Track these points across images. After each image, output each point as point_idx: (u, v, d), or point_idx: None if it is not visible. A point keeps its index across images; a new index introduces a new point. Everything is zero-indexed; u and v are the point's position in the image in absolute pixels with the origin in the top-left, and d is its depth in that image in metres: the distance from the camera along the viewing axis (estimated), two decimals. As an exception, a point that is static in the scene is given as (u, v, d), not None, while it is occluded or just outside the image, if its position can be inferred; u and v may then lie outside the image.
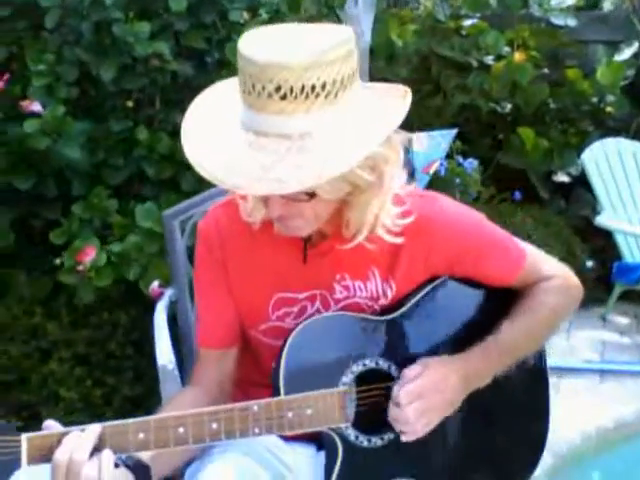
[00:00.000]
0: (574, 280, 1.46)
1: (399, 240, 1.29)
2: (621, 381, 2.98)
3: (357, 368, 1.29)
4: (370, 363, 1.30)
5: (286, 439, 1.36)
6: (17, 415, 2.25)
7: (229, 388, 1.36)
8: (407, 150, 3.85)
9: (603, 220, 3.63)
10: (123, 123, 2.47)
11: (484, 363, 1.31)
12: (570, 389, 2.93)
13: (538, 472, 2.30)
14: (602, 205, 3.75)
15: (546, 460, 2.41)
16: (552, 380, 2.96)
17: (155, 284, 1.97)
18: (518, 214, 3.98)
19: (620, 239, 3.68)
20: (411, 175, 3.87)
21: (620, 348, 3.38)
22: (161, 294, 1.78)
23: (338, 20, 2.53)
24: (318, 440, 1.35)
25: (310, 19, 2.37)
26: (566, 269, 1.46)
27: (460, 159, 4.01)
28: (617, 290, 3.66)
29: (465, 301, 1.41)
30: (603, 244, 3.89)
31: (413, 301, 1.36)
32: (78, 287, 2.18)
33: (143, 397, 2.30)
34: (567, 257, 3.86)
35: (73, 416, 2.21)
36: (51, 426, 1.11)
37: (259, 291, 1.34)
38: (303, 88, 1.08)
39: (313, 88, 1.08)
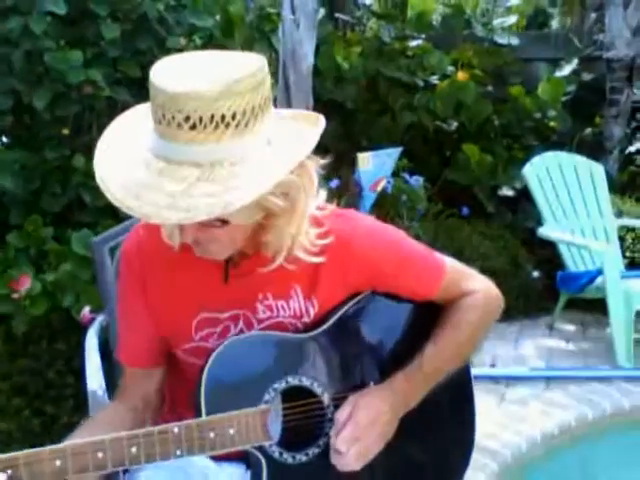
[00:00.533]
0: (495, 292, 1.47)
1: (319, 259, 1.30)
2: (565, 387, 3.04)
3: (280, 386, 1.30)
4: (293, 380, 1.31)
5: (216, 459, 1.36)
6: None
7: (155, 401, 1.36)
8: (354, 169, 3.92)
9: (545, 231, 3.71)
10: (59, 151, 2.47)
11: (410, 388, 1.33)
12: (516, 397, 2.98)
13: (482, 478, 2.35)
14: (544, 217, 3.84)
15: (491, 467, 2.45)
16: (499, 389, 3.06)
17: (86, 310, 1.96)
18: (465, 229, 4.05)
19: (563, 249, 3.77)
20: (359, 193, 3.92)
21: (566, 355, 3.46)
22: (92, 320, 1.77)
23: (270, 45, 2.56)
24: (246, 459, 1.36)
25: (244, 44, 2.40)
26: (487, 281, 1.48)
27: (406, 176, 4.08)
28: (562, 299, 3.74)
29: (388, 316, 1.42)
30: (549, 255, 3.97)
31: (335, 318, 1.37)
32: (13, 316, 2.16)
33: (84, 425, 2.27)
34: (514, 269, 3.94)
35: (11, 448, 2.17)
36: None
37: (181, 311, 1.35)
38: (212, 118, 1.08)
39: (223, 118, 1.09)
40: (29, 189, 2.44)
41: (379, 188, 3.91)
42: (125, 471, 1.30)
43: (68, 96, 2.38)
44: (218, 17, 2.49)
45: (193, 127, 1.09)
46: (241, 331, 1.35)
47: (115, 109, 2.52)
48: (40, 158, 2.46)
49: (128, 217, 2.23)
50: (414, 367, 1.34)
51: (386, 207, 4.00)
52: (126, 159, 1.15)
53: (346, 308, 1.38)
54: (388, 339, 1.42)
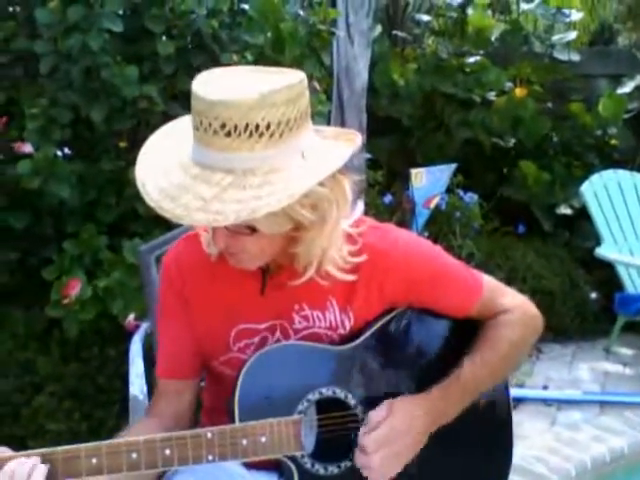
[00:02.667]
0: (533, 311, 1.45)
1: (351, 277, 1.31)
2: (620, 413, 2.94)
3: (314, 396, 1.31)
4: (327, 392, 1.32)
5: (248, 467, 1.37)
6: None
7: (185, 421, 1.37)
8: (407, 185, 3.91)
9: (603, 252, 3.61)
10: (115, 163, 2.54)
11: (446, 402, 1.31)
12: (568, 421, 2.91)
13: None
14: (602, 236, 3.74)
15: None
16: (550, 412, 2.98)
17: (131, 317, 2.01)
18: (520, 247, 3.98)
19: (621, 270, 3.66)
20: (412, 210, 3.91)
21: (622, 379, 3.35)
22: (137, 327, 1.81)
23: (320, 62, 2.59)
24: (279, 469, 1.37)
25: (293, 61, 2.44)
26: (526, 300, 1.46)
27: (461, 193, 4.04)
28: (620, 321, 3.63)
29: (424, 331, 1.42)
30: (607, 276, 3.87)
31: (370, 331, 1.37)
32: (64, 320, 2.23)
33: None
34: (570, 289, 3.86)
35: (60, 447, 2.23)
36: (3, 451, 1.14)
37: (220, 322, 1.37)
38: (247, 127, 1.12)
39: (257, 127, 1.12)
40: (85, 200, 2.53)
41: (432, 205, 3.89)
42: (160, 476, 1.33)
43: (124, 110, 2.45)
44: (269, 34, 2.53)
45: (228, 134, 1.12)
46: (278, 341, 1.36)
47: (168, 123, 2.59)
48: (96, 170, 2.54)
49: (178, 227, 2.28)
50: (451, 381, 1.33)
51: (439, 224, 3.98)
52: (165, 164, 1.19)
53: (382, 322, 1.38)
54: (423, 354, 1.41)
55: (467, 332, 1.41)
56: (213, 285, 1.38)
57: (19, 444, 2.36)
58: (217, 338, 1.37)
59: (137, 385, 1.63)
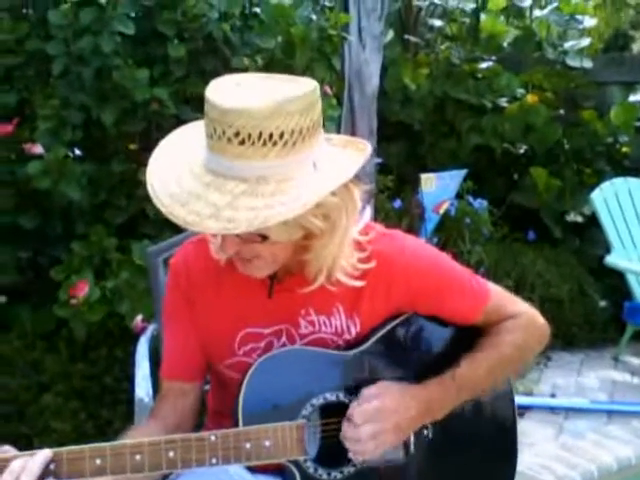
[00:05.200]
0: (540, 320, 1.45)
1: (360, 283, 1.31)
2: (628, 422, 2.93)
3: (317, 402, 1.31)
4: (331, 397, 1.32)
5: (252, 471, 1.37)
6: (12, 446, 2.29)
7: (188, 424, 1.37)
8: (417, 190, 3.90)
9: (613, 260, 3.60)
10: (125, 165, 2.55)
11: (441, 395, 1.32)
12: (575, 429, 2.89)
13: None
14: (612, 244, 3.72)
15: (542, 501, 2.39)
16: (557, 420, 2.96)
17: (138, 319, 2.01)
18: (530, 254, 3.97)
19: (631, 279, 3.64)
20: (421, 215, 3.91)
21: (630, 389, 3.33)
22: (144, 328, 1.82)
23: (331, 66, 2.60)
24: (283, 473, 1.37)
25: (305, 65, 2.44)
26: (532, 309, 1.45)
27: (470, 199, 4.04)
28: (629, 330, 3.61)
29: (428, 338, 1.42)
30: (616, 284, 3.85)
31: (375, 337, 1.37)
32: (71, 321, 2.24)
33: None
34: (579, 297, 3.84)
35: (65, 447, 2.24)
36: (6, 450, 1.14)
37: (226, 326, 1.37)
38: (261, 135, 1.12)
39: (271, 136, 1.12)
40: (95, 201, 2.54)
41: (442, 210, 3.89)
42: (164, 478, 1.33)
43: (135, 112, 2.46)
44: (280, 38, 2.53)
45: (242, 143, 1.12)
46: (284, 346, 1.37)
47: (179, 126, 2.60)
48: (107, 171, 2.55)
49: (187, 230, 2.28)
50: (446, 377, 1.33)
51: (449, 230, 3.97)
52: (177, 170, 1.19)
53: (388, 328, 1.39)
54: (427, 360, 1.41)
55: (472, 339, 1.41)
56: (220, 289, 1.38)
57: (25, 443, 2.39)
58: (223, 341, 1.38)
59: (143, 387, 1.63)
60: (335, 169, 1.19)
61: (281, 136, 1.13)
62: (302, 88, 1.17)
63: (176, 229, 2.73)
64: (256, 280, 1.35)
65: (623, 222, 3.78)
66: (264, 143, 1.12)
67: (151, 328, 1.79)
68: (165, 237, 2.45)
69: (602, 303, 3.86)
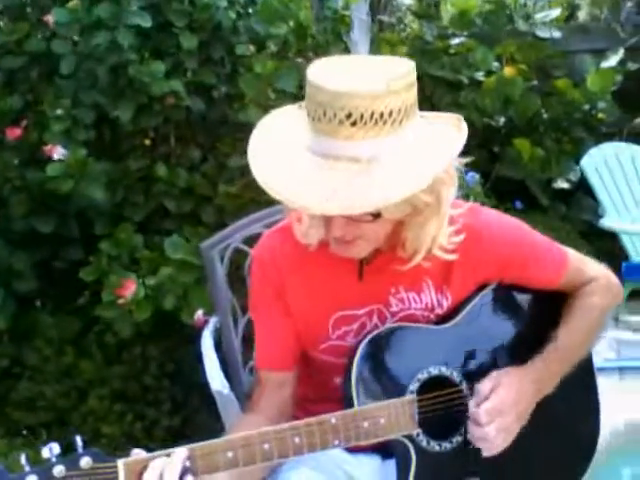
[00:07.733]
0: (614, 279, 1.52)
1: (453, 257, 1.33)
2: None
3: (422, 376, 1.33)
4: (434, 371, 1.34)
5: (351, 451, 1.38)
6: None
7: (289, 414, 1.37)
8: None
9: (608, 222, 3.69)
10: (141, 161, 2.51)
11: (549, 371, 1.35)
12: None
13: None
14: (605, 208, 3.82)
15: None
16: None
17: (199, 313, 2.00)
18: (523, 222, 4.03)
19: (626, 239, 3.75)
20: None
21: (635, 346, 3.42)
22: (205, 322, 1.81)
23: (346, 47, 2.60)
24: (382, 450, 1.38)
25: (317, 47, 2.44)
26: (606, 269, 1.52)
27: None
28: (627, 290, 3.70)
29: (516, 305, 1.46)
30: (608, 247, 3.95)
31: (467, 309, 1.40)
32: (116, 321, 2.20)
33: (182, 427, 2.32)
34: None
35: (117, 451, 2.21)
36: (138, 452, 1.13)
37: (319, 311, 1.38)
38: (372, 115, 1.13)
39: (382, 115, 1.13)
40: (115, 200, 2.49)
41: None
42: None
43: (151, 107, 2.42)
44: (292, 23, 2.52)
45: (354, 124, 1.13)
46: (375, 326, 1.38)
47: (189, 118, 2.57)
48: (123, 169, 2.51)
49: (214, 222, 2.27)
50: (549, 351, 1.37)
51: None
52: (284, 158, 1.19)
53: (477, 299, 1.42)
54: (518, 327, 1.45)
55: (556, 303, 1.45)
56: (309, 275, 1.38)
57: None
58: (316, 327, 1.38)
59: (218, 380, 1.62)
60: (442, 143, 1.20)
61: (390, 114, 1.14)
62: (404, 66, 1.18)
63: (197, 222, 2.70)
64: (345, 263, 1.36)
65: (613, 186, 3.88)
66: (375, 122, 1.13)
67: (213, 321, 1.77)
68: (189, 230, 2.43)
69: (597, 266, 3.94)
